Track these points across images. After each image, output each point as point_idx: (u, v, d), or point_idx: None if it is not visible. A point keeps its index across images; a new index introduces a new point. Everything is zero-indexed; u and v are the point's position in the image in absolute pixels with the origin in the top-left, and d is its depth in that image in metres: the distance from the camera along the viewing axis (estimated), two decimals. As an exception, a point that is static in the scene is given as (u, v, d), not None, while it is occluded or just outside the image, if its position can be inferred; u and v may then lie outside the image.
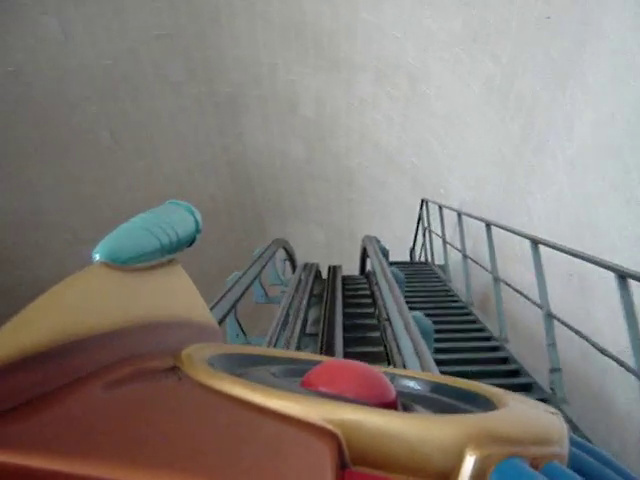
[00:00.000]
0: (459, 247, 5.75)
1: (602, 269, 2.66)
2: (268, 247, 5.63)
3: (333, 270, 6.04)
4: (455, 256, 6.33)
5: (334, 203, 10.76)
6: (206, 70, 7.84)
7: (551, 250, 3.32)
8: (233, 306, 3.65)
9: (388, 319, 3.41)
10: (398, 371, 0.57)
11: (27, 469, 0.27)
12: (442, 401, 0.48)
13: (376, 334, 3.96)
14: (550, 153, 4.65)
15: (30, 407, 0.32)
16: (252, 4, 6.82)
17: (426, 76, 6.52)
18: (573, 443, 0.41)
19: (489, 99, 5.67)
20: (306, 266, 5.83)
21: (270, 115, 8.79)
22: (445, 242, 6.42)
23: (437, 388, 0.51)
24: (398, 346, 2.72)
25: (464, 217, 5.75)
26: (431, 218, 7.43)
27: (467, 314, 4.78)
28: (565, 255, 3.17)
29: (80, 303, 0.43)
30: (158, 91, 7.92)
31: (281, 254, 6.81)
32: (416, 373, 0.56)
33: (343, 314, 4.31)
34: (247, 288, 4.17)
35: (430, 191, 7.81)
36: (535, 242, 3.34)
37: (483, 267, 4.64)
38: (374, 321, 4.30)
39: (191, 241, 0.64)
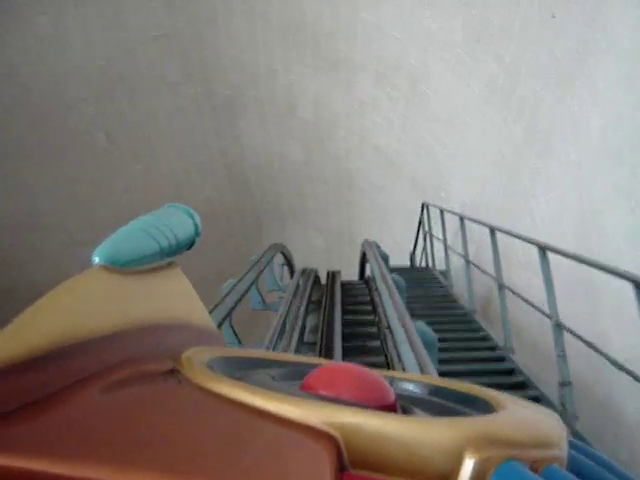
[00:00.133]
0: (460, 252, 5.64)
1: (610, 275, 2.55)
2: (265, 252, 5.52)
3: (332, 276, 5.92)
4: (456, 261, 6.21)
5: (333, 206, 10.67)
6: (203, 71, 7.75)
7: (553, 254, 3.20)
8: (228, 314, 3.55)
9: (389, 327, 3.30)
10: (397, 374, 0.56)
11: (28, 472, 0.27)
12: (441, 404, 0.47)
13: (376, 343, 3.84)
14: (554, 155, 4.54)
15: (30, 410, 0.32)
16: (250, 4, 6.73)
17: (427, 77, 6.43)
18: (572, 446, 0.41)
19: (491, 100, 5.57)
20: (304, 271, 5.71)
21: (268, 117, 8.69)
22: (447, 247, 6.30)
23: (436, 391, 0.50)
24: (400, 357, 2.61)
25: (466, 221, 5.63)
26: (432, 222, 7.31)
27: (470, 322, 4.65)
28: (568, 259, 3.05)
29: (79, 306, 0.43)
30: (155, 92, 7.83)
31: (279, 259, 6.69)
32: (415, 376, 0.56)
33: (342, 322, 4.19)
34: (243, 295, 4.06)
35: (431, 194, 7.71)
36: (543, 249, 3.20)
37: (488, 274, 4.51)
38: (374, 329, 4.18)
39: (190, 244, 0.64)
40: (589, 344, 2.74)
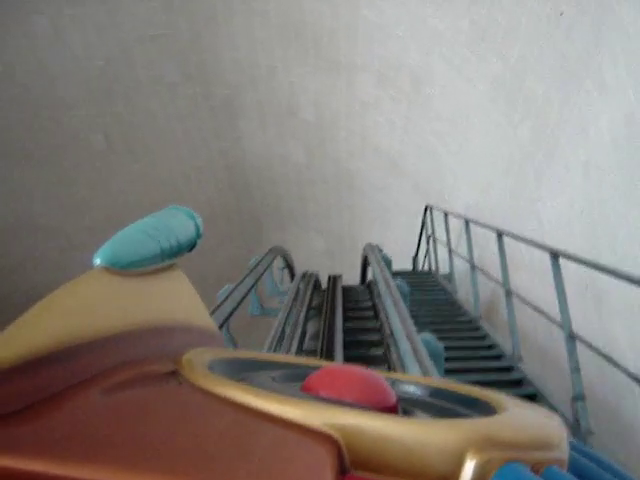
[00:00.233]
0: (463, 255, 5.50)
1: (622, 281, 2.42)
2: (264, 256, 5.38)
3: (333, 280, 5.79)
4: (460, 265, 6.07)
5: (334, 208, 10.55)
6: (202, 71, 7.65)
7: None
8: (226, 320, 3.42)
9: (392, 335, 3.18)
10: (398, 376, 0.56)
11: (31, 473, 0.27)
12: (442, 406, 0.47)
13: (379, 352, 3.70)
14: (562, 156, 4.41)
15: (32, 411, 0.32)
16: (250, 3, 6.61)
17: (430, 77, 6.30)
18: (573, 448, 0.41)
19: (496, 100, 5.44)
20: (305, 275, 5.58)
21: (268, 118, 8.58)
22: (451, 251, 6.15)
23: (437, 393, 0.50)
24: (404, 368, 2.48)
25: (469, 224, 5.49)
26: (435, 224, 7.17)
27: (476, 329, 4.50)
28: (576, 263, 2.91)
29: (81, 307, 0.43)
30: (153, 93, 7.73)
31: (279, 262, 6.56)
32: (416, 378, 0.55)
33: (343, 329, 4.06)
34: (241, 301, 3.92)
35: (433, 196, 7.58)
36: (555, 254, 3.04)
37: (494, 280, 4.36)
38: (377, 336, 4.05)
39: (192, 246, 0.64)
40: (606, 357, 2.60)
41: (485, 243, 5.52)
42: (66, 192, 8.21)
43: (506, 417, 0.39)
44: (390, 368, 3.27)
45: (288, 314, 4.25)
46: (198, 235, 0.65)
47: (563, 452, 0.39)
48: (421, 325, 3.71)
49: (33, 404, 0.32)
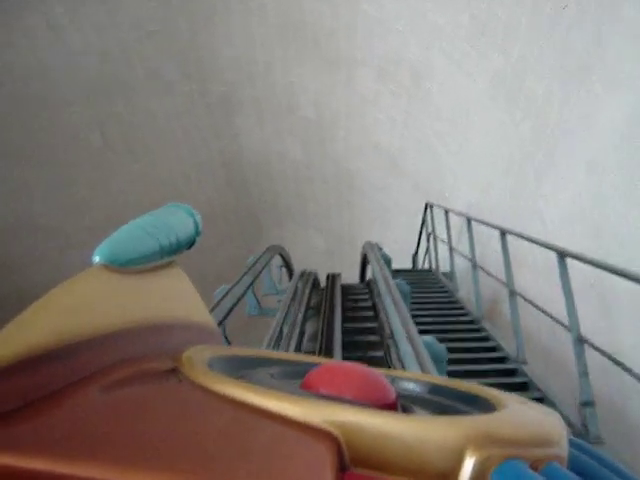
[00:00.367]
0: (463, 253, 5.40)
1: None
2: (262, 255, 5.30)
3: (332, 279, 5.70)
4: (460, 263, 5.98)
5: (333, 207, 10.47)
6: (200, 69, 7.57)
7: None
8: (222, 320, 3.34)
9: (392, 337, 3.09)
10: (398, 373, 0.55)
11: (30, 472, 0.27)
12: (442, 403, 0.47)
13: (379, 353, 3.62)
14: (564, 153, 4.33)
15: (31, 409, 0.32)
16: (247, 3, 6.52)
17: (430, 72, 6.22)
18: (573, 445, 0.41)
19: (497, 96, 5.36)
20: (303, 274, 5.50)
21: (267, 115, 8.50)
22: (451, 249, 6.07)
23: (437, 390, 0.50)
24: (405, 370, 2.40)
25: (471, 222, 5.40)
26: (435, 222, 7.08)
27: (478, 330, 4.41)
28: (582, 262, 2.82)
29: (79, 305, 0.43)
30: (151, 91, 7.65)
31: (277, 261, 6.48)
32: (416, 375, 0.55)
33: (342, 329, 3.99)
34: (238, 301, 3.84)
35: (434, 194, 7.50)
36: (562, 254, 2.94)
37: (498, 279, 4.26)
38: (376, 337, 3.97)
39: (191, 243, 0.64)
40: (615, 360, 2.51)
41: (486, 242, 5.44)
42: (66, 192, 8.14)
43: (506, 414, 0.39)
44: (389, 369, 3.20)
45: (286, 314, 4.17)
46: (197, 232, 0.64)
47: (563, 449, 0.38)
48: (422, 325, 3.63)
49: (32, 402, 0.32)
